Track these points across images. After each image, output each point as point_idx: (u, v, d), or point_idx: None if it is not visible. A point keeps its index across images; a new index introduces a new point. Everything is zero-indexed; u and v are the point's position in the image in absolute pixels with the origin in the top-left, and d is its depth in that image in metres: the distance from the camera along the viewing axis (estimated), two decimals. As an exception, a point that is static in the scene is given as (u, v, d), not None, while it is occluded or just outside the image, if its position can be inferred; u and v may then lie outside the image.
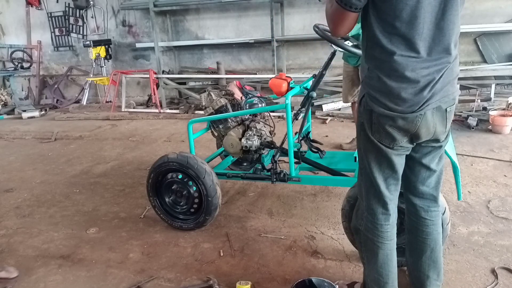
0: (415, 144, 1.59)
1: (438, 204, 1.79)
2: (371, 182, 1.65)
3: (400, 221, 2.19)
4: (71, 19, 8.37)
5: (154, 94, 7.29)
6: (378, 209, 1.69)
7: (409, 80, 1.42)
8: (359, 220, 1.80)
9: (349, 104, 4.20)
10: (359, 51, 2.57)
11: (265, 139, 2.92)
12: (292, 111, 2.77)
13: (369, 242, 1.75)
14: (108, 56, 7.90)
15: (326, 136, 4.95)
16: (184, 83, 7.67)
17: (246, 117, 3.01)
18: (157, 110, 7.15)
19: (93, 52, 7.65)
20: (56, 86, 8.62)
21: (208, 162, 2.86)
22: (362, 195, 1.74)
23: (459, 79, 1.69)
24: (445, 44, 1.44)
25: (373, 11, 1.42)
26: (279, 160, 2.86)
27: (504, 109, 4.86)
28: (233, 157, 3.26)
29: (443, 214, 1.93)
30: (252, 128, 2.92)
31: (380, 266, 1.74)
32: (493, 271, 2.20)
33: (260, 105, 3.05)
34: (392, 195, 1.68)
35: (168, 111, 7.12)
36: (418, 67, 1.42)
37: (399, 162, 1.61)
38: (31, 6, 8.49)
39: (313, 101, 2.87)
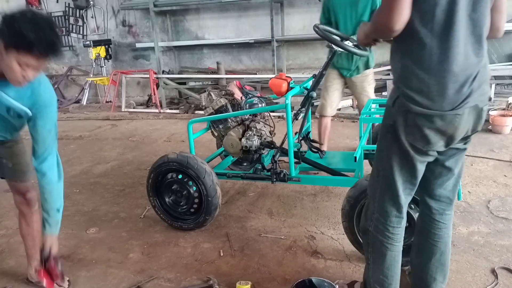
0: (447, 148, 1.56)
1: (453, 208, 1.78)
2: (389, 185, 1.63)
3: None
4: (71, 19, 8.36)
5: (154, 94, 7.29)
6: (392, 211, 1.68)
7: (449, 74, 1.40)
8: (368, 221, 1.78)
9: (329, 114, 3.73)
10: (359, 51, 2.56)
11: (265, 139, 2.92)
12: (292, 111, 2.77)
13: (377, 243, 1.73)
14: (108, 56, 7.90)
15: (326, 136, 4.95)
16: (184, 83, 7.67)
17: (246, 117, 3.01)
18: (157, 110, 7.15)
19: (93, 52, 7.65)
20: (56, 86, 8.60)
21: (208, 162, 2.86)
22: (375, 196, 1.72)
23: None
24: (477, 37, 1.42)
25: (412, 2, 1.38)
26: (279, 160, 2.86)
27: (504, 109, 4.86)
28: (233, 157, 3.26)
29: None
30: (252, 128, 2.92)
31: (387, 267, 1.73)
32: (493, 271, 2.20)
33: (260, 105, 3.05)
34: (406, 199, 1.67)
35: (168, 111, 7.11)
36: (457, 60, 1.40)
37: (421, 169, 1.60)
38: (31, 6, 8.47)
39: (313, 101, 2.87)
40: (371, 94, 3.57)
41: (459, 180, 1.74)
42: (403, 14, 1.36)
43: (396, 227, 1.70)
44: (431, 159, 1.59)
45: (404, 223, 1.72)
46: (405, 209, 1.69)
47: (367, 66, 3.48)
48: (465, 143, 1.62)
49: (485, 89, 1.49)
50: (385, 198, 1.67)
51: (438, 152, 1.59)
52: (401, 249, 1.75)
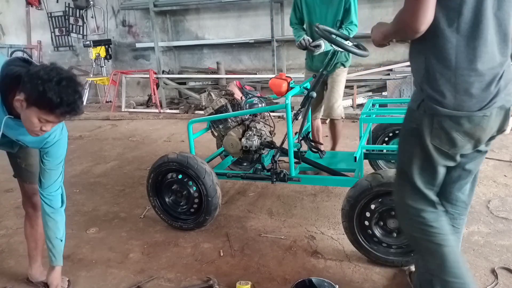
0: (472, 151, 1.54)
1: (467, 212, 1.76)
2: (414, 188, 1.60)
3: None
4: (71, 19, 8.37)
5: (154, 94, 7.29)
6: (427, 208, 1.63)
7: (476, 72, 1.39)
8: (409, 227, 1.70)
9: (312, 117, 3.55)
10: (359, 51, 2.56)
11: (265, 139, 2.92)
12: (292, 111, 2.77)
13: (431, 244, 1.64)
14: (108, 56, 7.90)
15: (326, 136, 4.94)
16: (184, 83, 7.67)
17: (246, 117, 3.00)
18: (157, 110, 7.15)
19: (93, 52, 7.66)
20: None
21: (208, 162, 2.86)
22: (405, 200, 1.66)
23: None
24: (502, 36, 1.41)
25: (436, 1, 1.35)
26: (279, 160, 2.86)
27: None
28: (233, 157, 3.26)
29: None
30: (252, 128, 2.92)
31: (452, 266, 1.62)
32: (493, 271, 2.20)
33: (260, 105, 3.05)
34: (434, 195, 1.64)
35: (168, 111, 7.12)
36: (484, 59, 1.39)
37: (442, 172, 1.58)
38: (31, 6, 8.48)
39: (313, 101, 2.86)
40: (340, 91, 3.45)
41: (475, 184, 1.73)
42: (428, 15, 1.33)
43: (437, 221, 1.64)
44: (453, 163, 1.56)
45: (444, 216, 1.67)
46: (439, 204, 1.65)
47: (343, 65, 3.39)
48: (487, 145, 1.60)
49: (511, 89, 1.47)
50: (416, 199, 1.63)
51: (461, 155, 1.56)
52: (455, 242, 1.67)
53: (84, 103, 8.13)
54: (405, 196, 1.66)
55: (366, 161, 3.15)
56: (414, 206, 1.64)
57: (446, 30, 1.38)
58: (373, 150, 3.10)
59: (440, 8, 1.36)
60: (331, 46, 2.72)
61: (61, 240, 2.13)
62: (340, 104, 3.44)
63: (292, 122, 2.71)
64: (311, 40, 3.18)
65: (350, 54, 3.33)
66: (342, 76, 3.43)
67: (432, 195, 1.62)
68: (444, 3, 1.36)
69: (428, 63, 1.45)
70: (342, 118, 3.52)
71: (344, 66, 3.41)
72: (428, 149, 1.50)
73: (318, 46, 3.08)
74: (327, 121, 3.58)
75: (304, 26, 3.43)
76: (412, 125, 1.54)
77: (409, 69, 6.59)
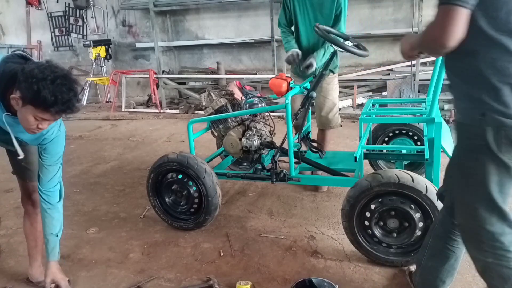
0: None
1: None
2: (493, 208, 1.47)
3: (399, 220, 2.20)
4: (71, 19, 8.38)
5: (154, 94, 7.30)
6: (505, 230, 1.49)
7: None
8: (483, 253, 1.54)
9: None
10: (359, 51, 2.56)
11: (265, 139, 2.92)
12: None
13: (506, 270, 1.51)
14: (108, 56, 7.92)
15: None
16: (184, 83, 7.68)
17: (246, 117, 3.01)
18: (157, 110, 7.15)
19: (93, 52, 7.67)
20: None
21: (208, 162, 2.86)
22: (480, 226, 1.51)
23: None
24: None
25: (481, 12, 1.31)
26: (279, 160, 2.86)
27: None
28: (233, 157, 3.26)
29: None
30: (252, 128, 2.92)
31: None
32: (493, 271, 2.20)
33: (260, 105, 3.05)
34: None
35: (168, 111, 7.12)
36: None
37: None
38: (31, 6, 8.49)
39: (313, 101, 2.86)
40: (335, 99, 3.31)
41: None
42: (459, 31, 1.28)
43: None
44: None
45: None
46: None
47: (332, 72, 3.23)
48: None
49: None
50: (493, 222, 1.49)
51: None
52: None
53: (84, 103, 8.14)
54: (482, 222, 1.51)
55: (366, 161, 3.15)
56: (492, 230, 1.50)
57: (498, 40, 1.34)
58: (373, 150, 3.11)
59: (486, 21, 1.32)
60: (331, 46, 2.72)
61: (57, 236, 2.11)
62: (335, 112, 3.29)
63: (292, 122, 2.71)
64: (300, 55, 3.05)
65: (338, 59, 3.23)
66: (333, 84, 3.28)
67: (509, 212, 1.50)
68: (490, 14, 1.32)
69: (485, 75, 1.39)
70: (340, 125, 3.39)
71: (334, 73, 3.26)
72: (504, 162, 1.42)
73: (310, 66, 2.88)
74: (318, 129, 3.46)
75: (293, 28, 3.29)
76: (475, 141, 1.43)
77: (409, 69, 6.54)
